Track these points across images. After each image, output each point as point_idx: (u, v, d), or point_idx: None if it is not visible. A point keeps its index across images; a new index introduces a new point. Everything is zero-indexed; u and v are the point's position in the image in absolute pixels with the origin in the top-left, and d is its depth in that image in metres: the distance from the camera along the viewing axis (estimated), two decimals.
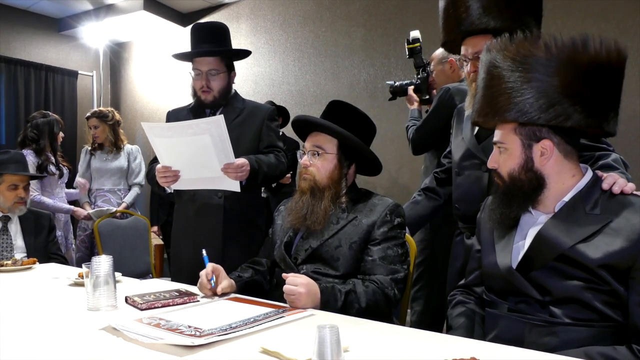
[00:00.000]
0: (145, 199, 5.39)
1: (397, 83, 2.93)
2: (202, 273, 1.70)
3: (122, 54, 6.52)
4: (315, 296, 1.51)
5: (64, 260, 2.97)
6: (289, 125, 4.13)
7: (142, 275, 3.28)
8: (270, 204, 4.21)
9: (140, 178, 3.92)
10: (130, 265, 3.22)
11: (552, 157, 1.32)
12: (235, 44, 2.49)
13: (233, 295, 1.71)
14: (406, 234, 1.84)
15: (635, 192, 1.30)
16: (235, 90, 2.40)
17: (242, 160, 2.06)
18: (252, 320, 1.36)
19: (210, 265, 1.71)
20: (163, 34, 6.04)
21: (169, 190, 2.21)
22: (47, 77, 5.83)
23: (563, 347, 1.20)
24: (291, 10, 5.09)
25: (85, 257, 3.70)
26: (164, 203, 4.75)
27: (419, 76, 2.82)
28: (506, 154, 1.37)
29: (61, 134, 3.88)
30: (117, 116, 3.92)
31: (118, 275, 1.92)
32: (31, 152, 3.60)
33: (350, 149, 1.76)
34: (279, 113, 4.25)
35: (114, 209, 3.60)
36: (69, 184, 3.98)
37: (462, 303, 1.53)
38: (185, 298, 1.63)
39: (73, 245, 3.91)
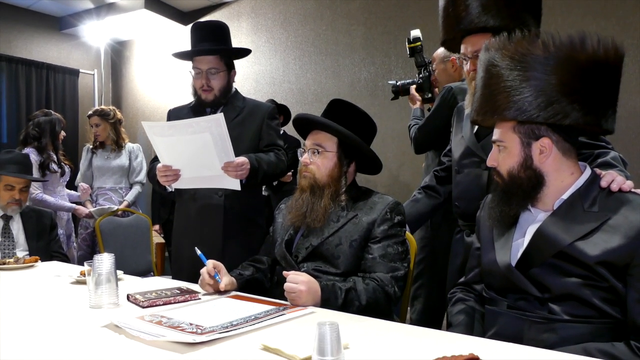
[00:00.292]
0: (146, 197, 5.41)
1: (399, 82, 2.93)
2: (204, 271, 1.70)
3: (123, 52, 6.53)
4: (315, 294, 1.52)
5: (65, 259, 2.98)
6: (290, 123, 4.15)
7: (143, 273, 3.29)
8: (272, 202, 4.22)
9: (142, 176, 3.93)
10: (131, 263, 3.23)
11: (551, 155, 1.33)
12: (236, 43, 2.49)
13: (234, 293, 1.72)
14: (406, 232, 1.85)
15: (633, 190, 1.31)
16: (236, 89, 2.40)
17: (242, 159, 2.07)
18: (253, 317, 1.37)
19: (210, 262, 1.71)
20: (164, 33, 6.04)
21: (169, 189, 2.21)
22: (48, 76, 5.83)
23: (562, 343, 1.21)
24: (292, 8, 5.09)
25: (87, 255, 3.71)
26: (165, 202, 4.76)
27: (420, 75, 2.83)
28: (505, 152, 1.38)
29: (63, 133, 3.89)
30: (119, 114, 3.93)
31: (120, 273, 1.93)
32: (33, 151, 3.61)
33: (350, 147, 1.77)
34: (280, 111, 4.26)
35: (116, 207, 3.61)
36: (71, 182, 3.99)
37: (462, 300, 1.54)
38: (187, 296, 1.63)
39: (75, 244, 3.93)
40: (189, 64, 2.33)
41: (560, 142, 1.33)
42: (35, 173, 3.46)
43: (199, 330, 1.24)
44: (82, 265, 1.87)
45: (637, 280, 1.19)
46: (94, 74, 6.29)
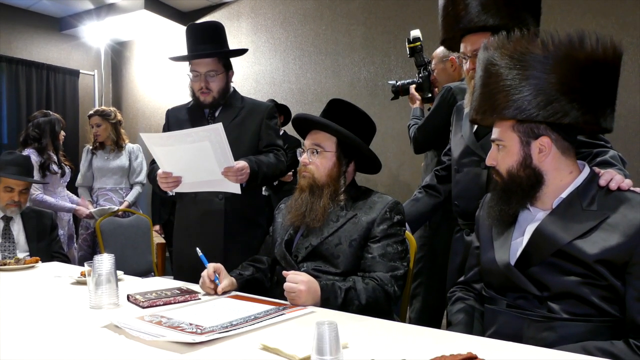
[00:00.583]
0: (147, 197, 5.41)
1: (399, 82, 2.94)
2: (204, 274, 1.71)
3: (123, 52, 6.53)
4: (315, 293, 1.52)
5: (66, 259, 2.98)
6: (291, 123, 4.14)
7: (144, 273, 3.29)
8: (272, 201, 4.21)
9: (142, 177, 3.93)
10: (132, 263, 3.23)
11: (550, 153, 1.33)
12: (236, 43, 2.49)
13: (234, 292, 1.72)
14: (406, 232, 1.85)
15: (632, 189, 1.31)
16: (234, 88, 2.40)
17: (242, 164, 2.06)
18: (252, 317, 1.37)
19: (211, 266, 1.72)
20: (164, 33, 6.04)
21: (170, 194, 2.21)
22: (48, 77, 5.83)
23: (561, 342, 1.21)
24: (291, 8, 5.09)
25: (87, 255, 3.72)
26: (165, 202, 4.76)
27: (420, 75, 2.83)
28: (504, 151, 1.38)
29: (63, 133, 3.89)
30: (119, 116, 3.94)
31: (120, 273, 1.93)
32: (33, 152, 3.61)
33: (349, 147, 1.77)
34: (281, 111, 4.26)
35: (116, 208, 3.61)
36: (71, 183, 3.99)
37: (462, 299, 1.54)
38: (187, 296, 1.64)
39: (75, 244, 3.93)
40: (189, 65, 2.33)
41: (560, 141, 1.33)
42: (36, 174, 3.46)
43: (199, 330, 1.24)
44: (83, 265, 1.87)
45: (635, 278, 1.19)
46: (94, 75, 6.30)
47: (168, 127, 2.42)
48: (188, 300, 1.62)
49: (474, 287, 1.56)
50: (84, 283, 1.83)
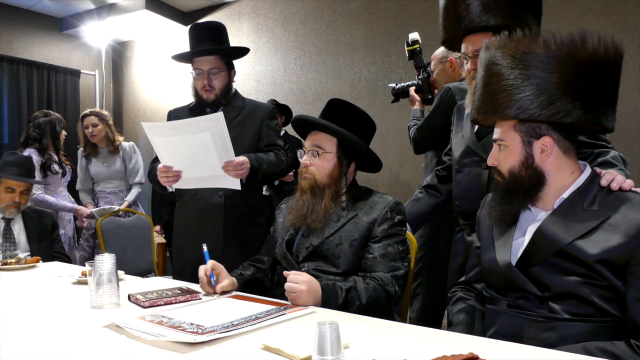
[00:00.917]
0: (147, 198, 5.41)
1: (398, 85, 2.94)
2: (202, 268, 1.71)
3: (124, 52, 6.53)
4: (316, 294, 1.52)
5: (67, 259, 2.99)
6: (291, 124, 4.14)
7: (144, 273, 3.29)
8: (273, 201, 4.22)
9: (140, 177, 3.92)
10: (133, 263, 3.23)
11: (552, 153, 1.33)
12: (237, 43, 2.50)
13: (235, 292, 1.72)
14: (407, 232, 1.85)
15: (633, 189, 1.31)
16: (235, 89, 2.41)
17: (242, 158, 2.08)
18: (253, 317, 1.37)
19: (210, 263, 1.72)
20: (165, 33, 6.05)
21: (170, 190, 2.22)
22: (49, 77, 5.84)
23: (562, 342, 1.21)
24: (292, 8, 5.09)
25: (88, 255, 3.72)
26: (165, 202, 4.76)
27: (420, 77, 2.84)
28: (506, 151, 1.38)
29: (64, 133, 3.89)
30: (111, 119, 3.95)
31: (121, 273, 1.93)
32: (34, 152, 3.61)
33: (349, 147, 1.77)
34: (282, 112, 4.26)
35: (117, 208, 3.61)
36: (72, 183, 3.99)
37: (463, 299, 1.54)
38: (188, 296, 1.64)
39: (76, 244, 3.93)
40: (189, 65, 2.33)
41: (561, 141, 1.33)
42: (37, 174, 3.46)
43: (200, 330, 1.24)
44: (84, 265, 1.87)
45: (636, 278, 1.19)
46: (95, 75, 6.30)
47: None
48: (189, 300, 1.62)
49: (475, 287, 1.56)
50: (85, 283, 1.83)
